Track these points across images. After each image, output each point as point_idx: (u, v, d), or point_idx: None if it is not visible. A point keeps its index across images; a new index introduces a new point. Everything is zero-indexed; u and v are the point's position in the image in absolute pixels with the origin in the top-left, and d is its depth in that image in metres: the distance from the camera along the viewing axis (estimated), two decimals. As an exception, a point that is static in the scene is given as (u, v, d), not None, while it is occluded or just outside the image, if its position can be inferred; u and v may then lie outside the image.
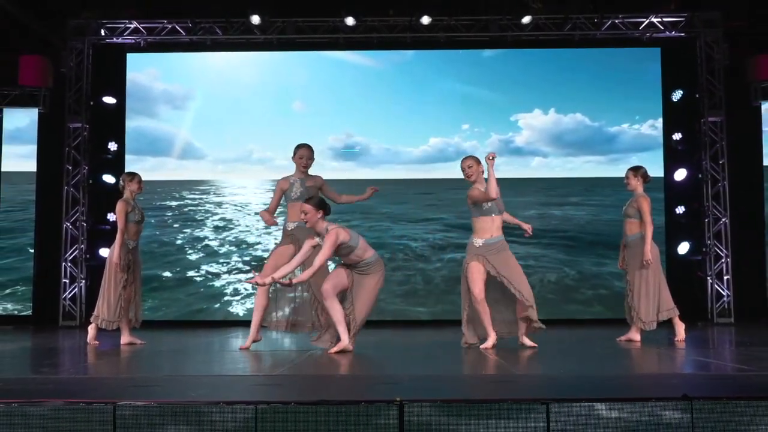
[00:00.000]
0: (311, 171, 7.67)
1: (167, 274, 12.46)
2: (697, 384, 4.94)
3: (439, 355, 7.08)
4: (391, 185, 12.04)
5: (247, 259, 12.37)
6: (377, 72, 12.86)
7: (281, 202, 7.71)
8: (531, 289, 7.29)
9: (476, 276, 7.20)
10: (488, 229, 7.28)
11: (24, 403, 3.85)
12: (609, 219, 11.95)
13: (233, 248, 12.52)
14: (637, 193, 8.01)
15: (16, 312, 12.40)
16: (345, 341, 6.88)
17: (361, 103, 12.75)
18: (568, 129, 12.68)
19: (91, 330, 8.22)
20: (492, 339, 7.12)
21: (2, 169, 12.69)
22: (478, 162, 7.36)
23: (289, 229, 7.46)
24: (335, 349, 6.90)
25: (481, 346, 7.12)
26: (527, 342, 7.25)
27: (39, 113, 12.65)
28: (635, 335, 7.88)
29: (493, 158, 7.05)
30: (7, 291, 12.47)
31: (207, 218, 12.76)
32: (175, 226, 12.74)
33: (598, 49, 12.63)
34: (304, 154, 7.56)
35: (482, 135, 12.54)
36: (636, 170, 8.11)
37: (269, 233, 12.27)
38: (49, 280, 12.39)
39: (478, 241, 7.27)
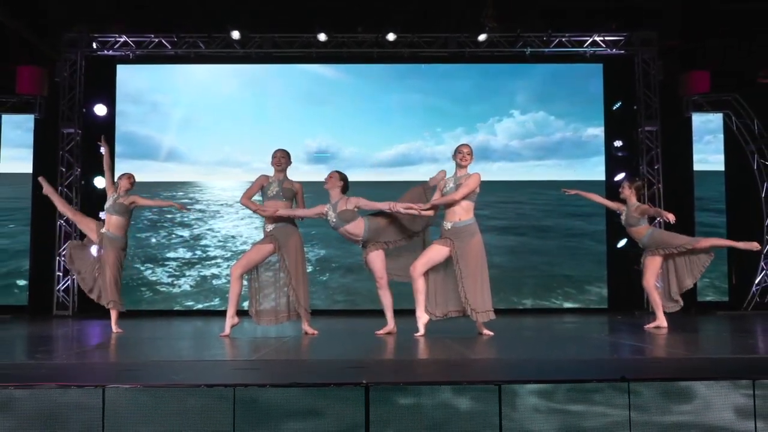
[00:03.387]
0: (294, 178, 7.60)
1: (152, 267, 12.36)
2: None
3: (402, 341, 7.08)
4: (362, 186, 12.00)
5: (228, 255, 12.31)
6: (347, 83, 12.84)
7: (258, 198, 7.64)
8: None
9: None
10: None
11: (19, 386, 3.79)
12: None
13: (215, 242, 12.46)
14: (630, 203, 8.06)
15: (12, 302, 12.25)
16: (391, 325, 7.29)
17: (333, 112, 12.73)
18: (520, 136, 12.75)
19: (114, 316, 8.24)
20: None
21: (1, 170, 12.54)
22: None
23: (268, 230, 7.37)
24: (383, 330, 7.26)
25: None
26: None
27: (35, 119, 12.52)
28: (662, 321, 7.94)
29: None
30: (5, 283, 12.32)
31: (190, 216, 12.66)
32: (159, 223, 12.65)
33: (547, 64, 12.72)
34: (277, 154, 7.49)
35: (442, 140, 12.57)
36: (631, 182, 8.24)
37: (252, 226, 12.23)
38: (43, 273, 12.26)
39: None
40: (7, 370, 4.77)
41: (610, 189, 12.18)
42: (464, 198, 7.00)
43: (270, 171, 7.49)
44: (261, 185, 7.43)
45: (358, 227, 7.20)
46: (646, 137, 12.29)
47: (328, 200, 7.32)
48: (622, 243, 11.92)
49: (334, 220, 7.22)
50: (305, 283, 7.46)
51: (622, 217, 8.20)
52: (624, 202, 8.22)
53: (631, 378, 3.84)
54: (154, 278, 12.36)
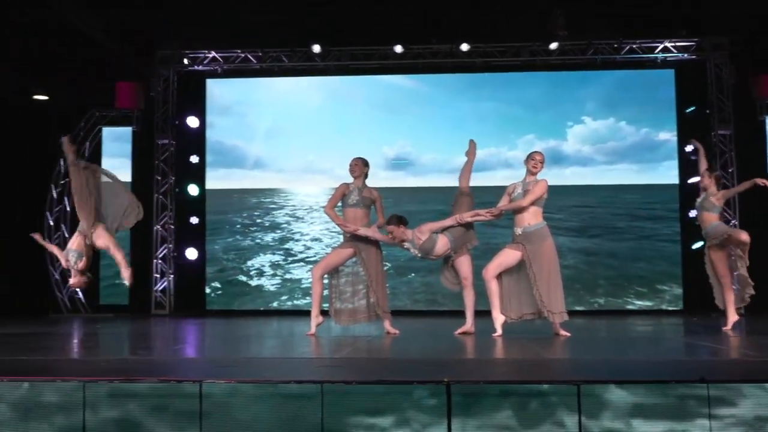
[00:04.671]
0: (372, 184, 7.61)
1: (242, 271, 12.57)
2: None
3: (480, 341, 7.01)
4: (438, 192, 11.95)
5: (313, 257, 12.42)
6: (423, 93, 12.83)
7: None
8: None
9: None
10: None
11: (124, 381, 3.89)
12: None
13: (300, 245, 12.58)
14: (710, 191, 7.84)
15: (116, 302, 12.59)
16: (469, 324, 7.23)
17: (410, 120, 12.72)
18: (591, 141, 12.52)
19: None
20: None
21: (102, 179, 12.88)
22: None
23: (349, 235, 7.40)
24: (460, 330, 7.20)
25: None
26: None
27: (132, 131, 12.85)
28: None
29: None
30: (110, 284, 12.69)
31: (276, 221, 12.82)
32: (249, 228, 12.84)
33: (618, 71, 12.47)
34: (352, 163, 7.50)
35: (515, 146, 12.43)
36: (711, 171, 8.03)
37: (335, 230, 12.32)
38: (142, 275, 12.56)
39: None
40: (113, 365, 4.91)
41: (684, 192, 11.88)
42: (531, 204, 6.92)
43: (351, 179, 7.51)
44: (342, 193, 7.44)
45: (443, 246, 7.17)
46: (720, 141, 11.92)
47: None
48: (697, 245, 11.57)
49: (420, 254, 7.22)
50: (384, 285, 7.46)
51: (698, 200, 7.98)
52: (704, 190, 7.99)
53: (711, 380, 3.72)
54: (244, 279, 12.57)
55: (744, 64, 12.01)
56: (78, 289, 8.31)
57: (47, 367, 4.77)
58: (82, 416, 3.78)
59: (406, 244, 7.20)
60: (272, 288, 12.50)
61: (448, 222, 7.20)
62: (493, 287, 6.96)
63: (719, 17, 11.57)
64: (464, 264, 7.30)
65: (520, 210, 6.93)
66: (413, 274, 12.22)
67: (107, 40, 11.34)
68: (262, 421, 3.72)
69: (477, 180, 12.26)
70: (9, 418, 3.82)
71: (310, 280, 7.45)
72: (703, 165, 8.16)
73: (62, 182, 12.63)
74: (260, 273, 12.55)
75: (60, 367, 4.89)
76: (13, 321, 7.76)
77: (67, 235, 12.50)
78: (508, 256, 6.98)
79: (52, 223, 12.57)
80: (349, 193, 7.39)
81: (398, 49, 12.08)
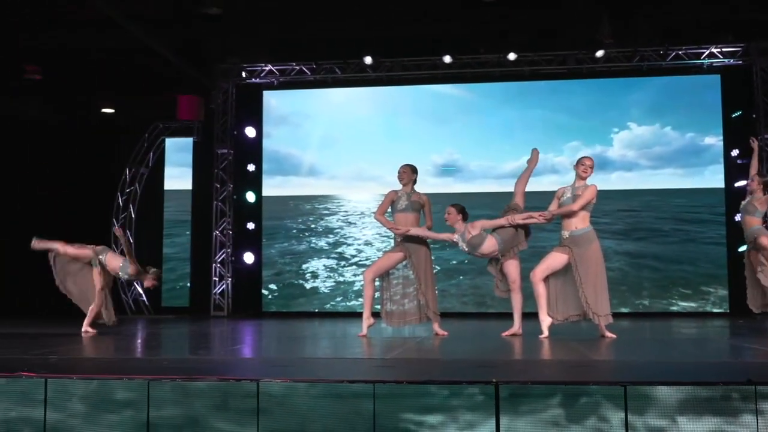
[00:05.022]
0: (422, 191, 7.61)
1: (297, 274, 12.69)
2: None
3: (527, 342, 6.97)
4: (486, 197, 11.91)
5: (365, 261, 12.47)
6: (471, 101, 12.79)
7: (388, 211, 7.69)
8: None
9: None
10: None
11: (185, 379, 3.96)
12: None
13: (352, 249, 12.64)
14: (755, 195, 7.69)
15: (177, 304, 12.82)
16: (517, 326, 7.16)
17: (458, 128, 12.69)
18: (636, 146, 12.33)
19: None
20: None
21: (165, 187, 13.15)
22: None
23: (399, 239, 7.43)
24: (508, 332, 7.15)
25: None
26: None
27: (193, 142, 13.04)
28: None
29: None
30: (172, 286, 12.92)
31: (329, 226, 12.92)
32: (303, 234, 12.95)
33: (664, 77, 12.27)
34: (400, 170, 7.52)
35: (561, 152, 12.31)
36: (761, 176, 7.86)
37: (387, 235, 12.36)
38: (202, 278, 12.76)
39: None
40: (174, 364, 5.00)
41: (730, 195, 11.62)
42: (581, 209, 6.85)
43: (399, 186, 7.53)
44: (391, 200, 7.46)
45: (491, 246, 7.12)
46: (766, 144, 11.63)
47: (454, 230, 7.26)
48: (743, 248, 11.31)
49: (467, 248, 7.17)
50: (433, 287, 7.46)
51: (743, 203, 7.83)
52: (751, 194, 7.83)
53: (757, 381, 3.64)
54: (299, 282, 12.68)
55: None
56: (151, 288, 8.41)
57: (115, 365, 4.88)
58: (146, 412, 3.87)
59: (456, 237, 7.16)
60: (326, 290, 12.59)
61: (500, 221, 7.16)
62: (541, 290, 6.91)
63: (765, 22, 11.32)
64: (512, 267, 7.26)
65: (570, 214, 6.88)
66: (462, 277, 12.19)
67: (170, 55, 11.55)
68: (317, 419, 3.76)
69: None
70: (81, 412, 3.93)
71: (362, 282, 7.47)
72: (754, 168, 7.99)
73: (127, 190, 12.92)
74: (314, 276, 12.65)
75: (127, 365, 5.00)
76: (82, 322, 7.93)
77: (132, 240, 12.79)
78: (556, 259, 6.92)
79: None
80: (398, 198, 7.42)
81: (447, 59, 12.07)
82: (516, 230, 7.19)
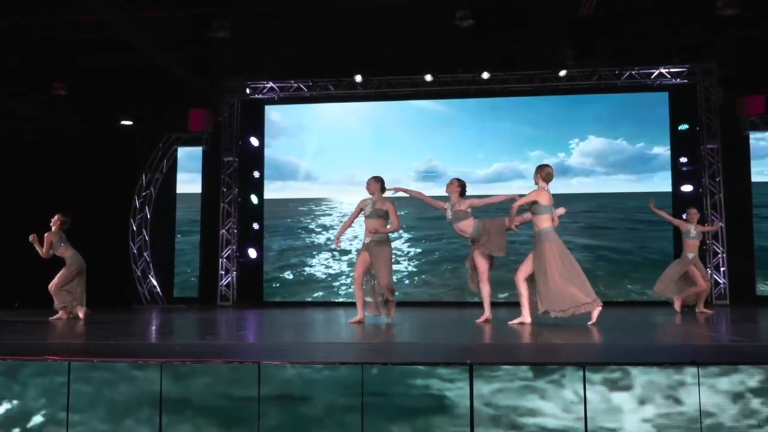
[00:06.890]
0: (398, 198, 7.59)
1: (295, 268, 12.63)
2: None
3: (499, 328, 6.95)
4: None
5: (354, 255, 12.44)
6: (449, 115, 12.80)
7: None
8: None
9: None
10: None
11: (194, 362, 3.92)
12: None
13: (343, 245, 12.60)
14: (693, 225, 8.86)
15: (187, 295, 12.76)
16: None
17: (438, 138, 12.70)
18: (594, 155, 12.37)
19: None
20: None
21: (178, 191, 13.08)
22: None
23: (366, 242, 7.36)
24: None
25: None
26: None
27: (203, 150, 12.99)
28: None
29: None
30: (183, 278, 12.86)
31: (324, 225, 12.87)
32: (298, 232, 12.91)
33: (618, 94, 12.32)
34: (366, 182, 7.51)
35: (528, 159, 12.33)
36: (696, 212, 9.07)
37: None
38: (209, 272, 12.70)
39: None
40: (185, 348, 4.96)
41: (677, 198, 11.72)
42: (524, 205, 6.76)
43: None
44: (360, 208, 7.46)
45: (467, 225, 7.19)
46: (708, 154, 11.71)
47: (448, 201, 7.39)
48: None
49: (450, 216, 7.27)
50: (389, 281, 7.25)
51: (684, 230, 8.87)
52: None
53: (700, 361, 3.64)
54: (297, 275, 12.62)
55: (729, 87, 11.80)
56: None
57: (132, 349, 4.83)
58: (159, 390, 3.83)
59: (447, 206, 7.31)
60: (321, 282, 12.54)
61: (495, 199, 7.44)
62: (522, 290, 6.84)
63: (707, 46, 11.40)
64: (480, 260, 7.25)
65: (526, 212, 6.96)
66: (443, 268, 12.19)
67: (183, 72, 11.49)
68: (314, 396, 3.74)
69: (496, 189, 12.31)
70: (101, 391, 3.89)
71: (352, 274, 7.44)
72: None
73: (144, 193, 12.83)
74: (311, 269, 12.60)
75: (142, 349, 4.96)
76: (102, 311, 7.85)
77: (147, 239, 12.71)
78: (528, 259, 6.87)
79: (135, 228, 12.76)
80: (365, 206, 7.41)
81: (428, 77, 12.07)
82: (492, 235, 7.10)
